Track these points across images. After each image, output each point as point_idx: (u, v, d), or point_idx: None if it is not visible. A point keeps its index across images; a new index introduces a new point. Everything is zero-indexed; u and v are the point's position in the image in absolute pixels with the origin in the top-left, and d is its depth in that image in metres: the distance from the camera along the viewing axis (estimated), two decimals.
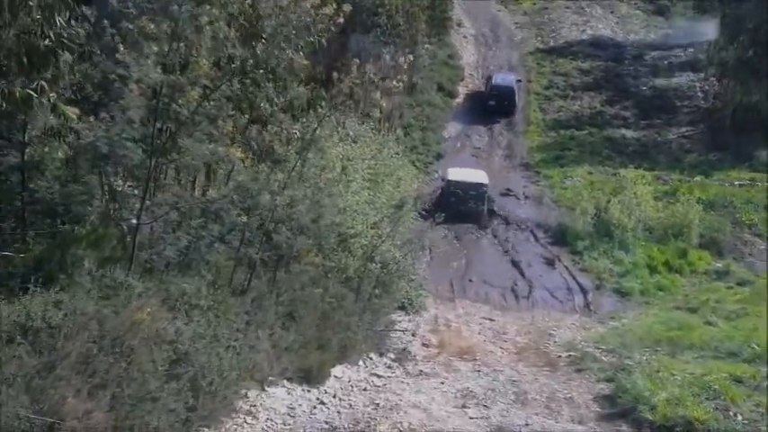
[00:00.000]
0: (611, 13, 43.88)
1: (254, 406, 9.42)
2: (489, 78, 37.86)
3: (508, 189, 31.71)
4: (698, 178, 31.99)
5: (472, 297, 23.33)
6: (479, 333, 20.27)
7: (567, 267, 25.50)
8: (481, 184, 28.24)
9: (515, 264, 25.78)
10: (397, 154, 26.28)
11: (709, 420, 9.96)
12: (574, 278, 24.73)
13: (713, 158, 33.89)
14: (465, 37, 41.50)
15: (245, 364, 9.41)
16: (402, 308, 21.27)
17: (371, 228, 19.31)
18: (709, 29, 38.04)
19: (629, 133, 35.68)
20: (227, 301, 10.77)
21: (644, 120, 36.59)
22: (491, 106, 36.79)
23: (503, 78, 37.60)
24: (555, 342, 19.55)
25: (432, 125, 35.60)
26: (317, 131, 12.61)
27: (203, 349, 8.30)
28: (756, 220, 28.65)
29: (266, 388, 10.05)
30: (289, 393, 10.15)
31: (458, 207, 26.91)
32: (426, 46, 35.28)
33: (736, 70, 35.51)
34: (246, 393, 9.55)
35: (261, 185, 10.69)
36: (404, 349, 16.05)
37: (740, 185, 31.62)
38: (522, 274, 24.97)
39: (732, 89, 36.07)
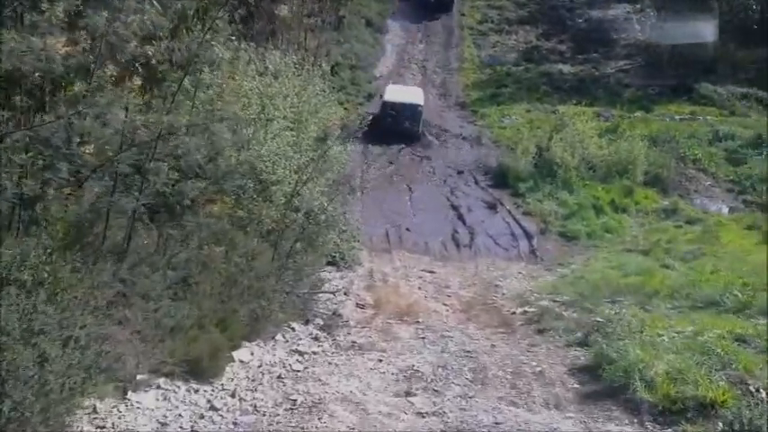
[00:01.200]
0: None
1: (104, 427, 6.25)
2: None
3: (444, 129, 28.88)
4: (638, 113, 29.76)
5: (410, 247, 20.48)
6: (420, 288, 17.46)
7: (509, 211, 22.88)
8: (416, 105, 27.32)
9: (455, 208, 23.00)
10: (324, 91, 22.93)
11: (729, 401, 7.38)
12: (517, 223, 22.13)
13: (652, 92, 31.62)
14: None
15: (97, 362, 6.27)
16: (332, 263, 18.25)
17: (295, 173, 16.09)
18: None
19: (566, 68, 33.08)
20: (85, 269, 7.53)
21: (580, 54, 34.01)
22: (431, 3, 36.04)
23: None
24: (503, 294, 16.88)
25: (362, 63, 32.26)
26: (211, 43, 9.26)
27: (9, 350, 5.17)
28: (700, 154, 26.54)
29: (130, 394, 6.88)
30: (164, 398, 6.97)
31: (393, 127, 26.58)
32: None
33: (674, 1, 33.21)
34: (95, 407, 6.39)
35: (110, 100, 7.34)
36: (334, 313, 13.08)
37: (681, 119, 29.54)
38: (463, 221, 22.22)
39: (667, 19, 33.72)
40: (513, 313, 13.73)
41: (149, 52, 8.59)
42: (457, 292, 17.35)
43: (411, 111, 27.00)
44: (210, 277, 9.78)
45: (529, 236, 21.34)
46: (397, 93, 28.05)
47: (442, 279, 18.35)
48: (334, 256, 18.28)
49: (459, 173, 25.63)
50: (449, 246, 20.81)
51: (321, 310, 13.11)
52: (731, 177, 25.49)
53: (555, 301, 15.09)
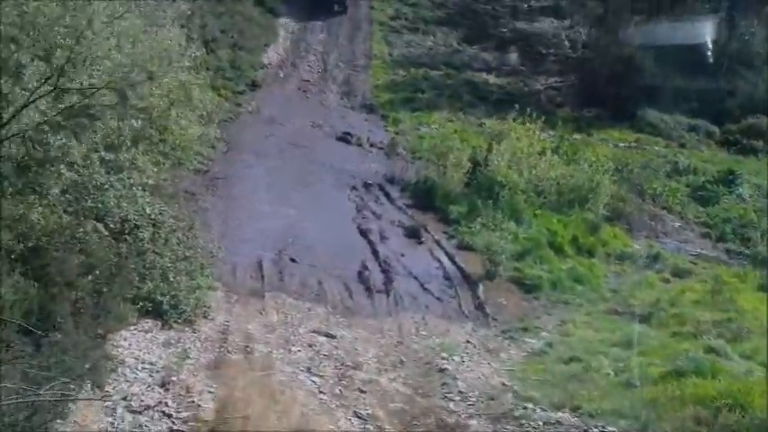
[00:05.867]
0: None
1: None
2: None
3: (347, 133, 20.62)
4: (577, 136, 22.79)
5: (295, 289, 11.93)
6: (310, 370, 8.96)
7: (438, 243, 14.82)
8: None
9: (363, 234, 14.68)
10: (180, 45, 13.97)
11: None
12: (452, 260, 14.08)
13: (589, 114, 24.86)
14: None
15: None
16: (156, 313, 9.50)
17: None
18: None
19: (491, 79, 25.81)
20: None
21: (506, 65, 26.87)
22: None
23: None
24: (464, 397, 8.69)
25: (247, 44, 23.55)
26: None
27: None
28: (660, 189, 19.65)
29: None
30: None
31: None
32: None
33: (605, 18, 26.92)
34: None
35: None
36: None
37: (626, 147, 22.84)
38: (375, 253, 13.91)
39: (603, 39, 27.34)
40: None
41: None
42: (377, 381, 9.02)
43: None
44: None
45: (471, 281, 13.32)
46: None
47: (347, 351, 9.99)
48: (160, 302, 9.55)
49: (367, 187, 17.38)
50: (355, 289, 12.41)
51: None
52: (702, 219, 18.70)
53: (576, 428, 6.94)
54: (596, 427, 7.05)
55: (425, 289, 12.85)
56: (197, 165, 14.53)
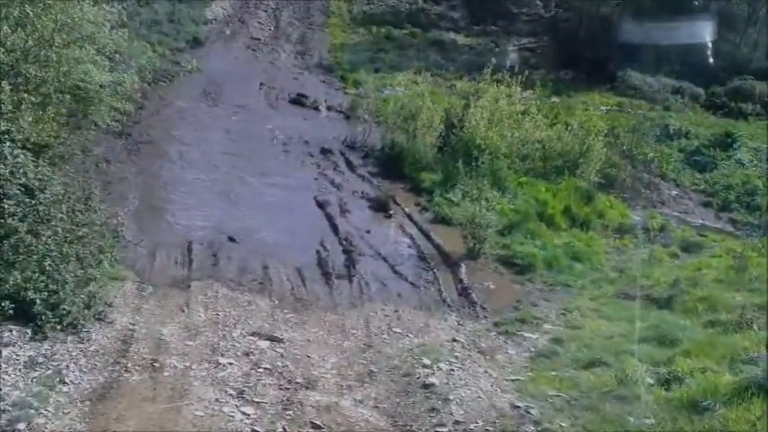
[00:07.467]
0: None
1: None
2: None
3: (301, 95, 17.62)
4: (556, 99, 20.18)
5: (232, 277, 8.99)
6: (243, 395, 6.11)
7: (410, 216, 12.03)
8: None
9: (320, 206, 11.80)
10: None
11: None
12: (427, 236, 11.32)
13: (566, 77, 22.31)
14: None
15: None
16: (27, 316, 6.54)
17: None
18: None
19: (460, 39, 23.01)
20: None
21: (476, 25, 24.09)
22: None
23: None
24: (457, 426, 5.98)
25: None
26: None
27: None
28: (652, 154, 17.17)
29: None
30: None
31: None
32: None
33: None
34: None
35: None
36: None
37: (608, 111, 20.32)
38: (335, 229, 11.05)
39: None
40: None
41: None
42: (337, 407, 6.24)
43: None
44: None
45: (451, 262, 10.58)
46: None
47: (297, 361, 7.20)
48: (32, 301, 6.60)
49: (326, 153, 14.46)
50: (309, 276, 9.53)
51: None
52: (701, 186, 16.32)
53: None
54: None
55: (397, 272, 10.06)
56: (113, 124, 11.42)
